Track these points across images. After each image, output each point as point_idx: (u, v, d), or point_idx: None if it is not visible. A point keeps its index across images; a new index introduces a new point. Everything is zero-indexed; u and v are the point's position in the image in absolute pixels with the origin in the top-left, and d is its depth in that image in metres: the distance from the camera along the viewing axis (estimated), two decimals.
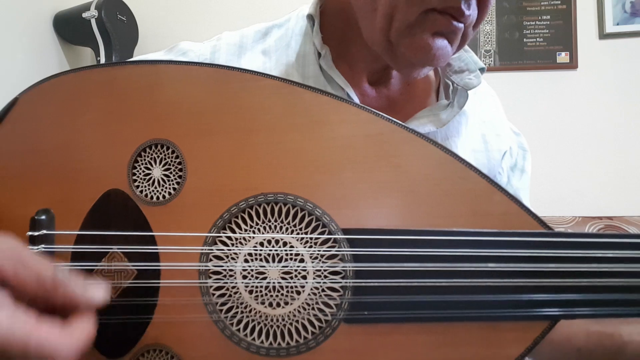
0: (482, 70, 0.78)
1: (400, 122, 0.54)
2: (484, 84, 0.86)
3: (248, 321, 0.50)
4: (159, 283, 0.51)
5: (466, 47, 0.77)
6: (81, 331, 0.44)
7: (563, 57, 2.43)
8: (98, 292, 0.46)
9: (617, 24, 2.39)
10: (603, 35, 2.41)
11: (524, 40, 2.48)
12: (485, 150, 0.81)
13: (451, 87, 0.79)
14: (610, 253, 0.49)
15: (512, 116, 0.90)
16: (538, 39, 2.47)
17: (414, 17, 0.62)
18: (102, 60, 2.44)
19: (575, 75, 2.43)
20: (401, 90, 0.80)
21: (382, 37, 0.65)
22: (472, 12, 0.63)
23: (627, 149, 2.34)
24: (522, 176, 0.87)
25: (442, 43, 0.64)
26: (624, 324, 0.64)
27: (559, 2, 2.46)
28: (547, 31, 2.46)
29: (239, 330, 0.50)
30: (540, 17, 2.48)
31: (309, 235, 0.51)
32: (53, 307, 0.44)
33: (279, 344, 0.50)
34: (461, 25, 0.64)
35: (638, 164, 2.33)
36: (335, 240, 0.51)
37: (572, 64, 2.42)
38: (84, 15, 2.42)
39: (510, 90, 2.43)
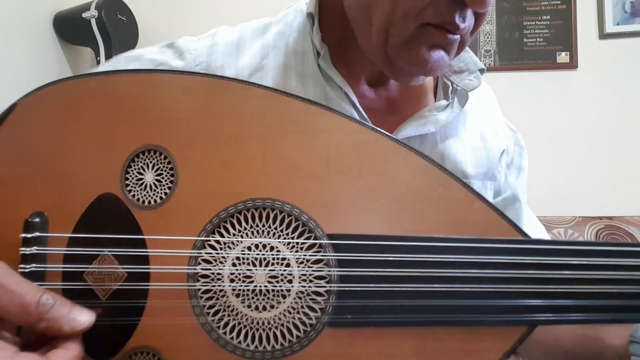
0: (481, 71, 0.79)
1: (385, 132, 0.55)
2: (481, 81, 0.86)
3: (234, 324, 0.51)
4: (148, 286, 0.51)
5: (466, 47, 0.78)
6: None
7: (563, 57, 2.43)
8: (83, 316, 0.47)
9: (617, 24, 2.39)
10: (603, 35, 2.41)
11: (524, 40, 2.48)
12: (485, 148, 0.81)
13: (450, 88, 0.79)
14: (582, 260, 0.51)
15: (512, 116, 0.90)
16: (538, 39, 2.47)
17: (409, 32, 0.62)
18: (102, 60, 2.45)
19: (575, 75, 2.43)
20: (399, 91, 0.80)
21: (379, 51, 0.66)
22: (467, 23, 0.63)
23: (627, 149, 2.34)
24: (519, 174, 0.87)
25: (438, 55, 0.64)
26: (605, 327, 0.65)
27: (559, 2, 2.46)
28: (547, 31, 2.46)
29: (225, 333, 0.51)
30: (540, 17, 2.48)
31: (295, 240, 0.52)
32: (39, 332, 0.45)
33: (265, 347, 0.51)
34: (457, 36, 0.64)
35: (638, 164, 2.32)
36: (320, 246, 0.52)
37: (572, 64, 2.42)
38: (84, 15, 2.42)
39: (510, 90, 2.43)
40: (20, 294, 0.43)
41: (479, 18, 0.65)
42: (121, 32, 2.52)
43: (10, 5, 2.27)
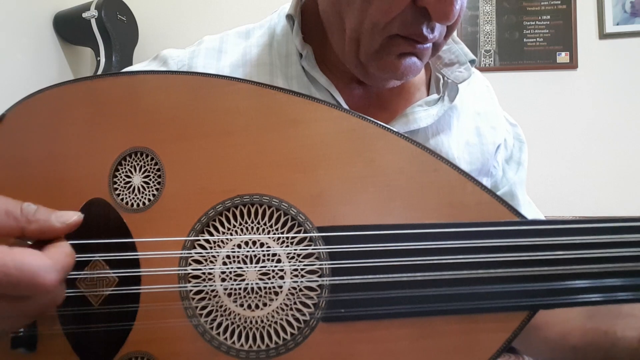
0: (472, 62, 0.78)
1: (371, 119, 0.54)
2: (478, 74, 0.86)
3: (227, 324, 0.50)
4: (139, 289, 0.51)
5: (456, 38, 0.78)
6: (59, 252, 0.44)
7: (563, 57, 2.44)
8: (69, 215, 0.46)
9: (617, 24, 2.39)
10: (603, 35, 2.41)
11: (524, 40, 2.49)
12: (480, 144, 0.80)
13: (442, 81, 0.78)
14: (583, 239, 0.50)
15: (512, 116, 0.89)
16: (538, 39, 2.47)
17: (378, 43, 0.63)
18: (102, 60, 2.46)
19: (575, 75, 2.44)
20: (390, 87, 0.78)
21: (353, 58, 0.67)
22: (436, 32, 0.63)
23: (627, 149, 2.34)
24: (518, 169, 0.86)
25: (409, 61, 0.65)
26: (617, 319, 0.62)
27: (559, 2, 2.47)
28: (547, 31, 2.47)
29: (218, 334, 0.50)
30: (540, 17, 2.48)
31: (285, 235, 0.51)
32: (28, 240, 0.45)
33: (259, 346, 0.50)
34: (427, 45, 0.64)
35: (638, 164, 2.32)
36: (310, 239, 0.51)
37: (572, 64, 2.43)
38: (84, 15, 2.44)
39: (510, 90, 2.43)
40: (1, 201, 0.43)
41: (450, 25, 0.65)
42: (121, 32, 2.53)
43: (10, 5, 2.28)
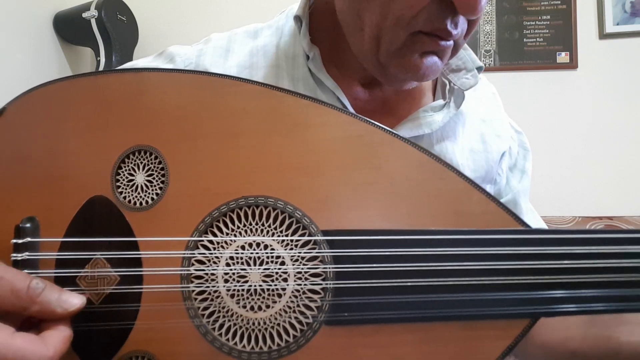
0: (479, 69, 0.77)
1: (379, 124, 0.54)
2: (484, 80, 0.85)
3: (230, 325, 0.50)
4: (141, 288, 0.51)
5: (464, 45, 0.77)
6: (57, 340, 0.44)
7: (563, 57, 2.43)
8: (74, 299, 0.47)
9: (617, 24, 2.39)
10: (603, 35, 2.41)
11: (524, 40, 2.48)
12: (484, 151, 0.79)
13: (448, 87, 0.77)
14: (586, 249, 0.50)
15: (512, 116, 0.89)
16: (538, 39, 2.47)
17: (401, 40, 0.61)
18: (102, 60, 2.45)
19: (575, 75, 2.43)
20: (395, 91, 0.78)
21: (372, 57, 0.65)
22: (459, 29, 0.62)
23: (627, 149, 2.34)
24: (522, 178, 0.85)
25: (431, 60, 0.63)
26: (620, 325, 0.62)
27: (559, 2, 2.46)
28: (547, 31, 2.46)
29: (220, 334, 0.50)
30: (540, 17, 2.48)
31: (289, 238, 0.51)
32: (30, 317, 0.45)
33: (261, 347, 0.50)
34: (450, 42, 0.63)
35: (638, 164, 2.32)
36: (315, 242, 0.51)
37: (572, 64, 2.42)
38: (84, 15, 2.43)
39: (510, 90, 2.43)
40: (8, 279, 0.44)
41: (471, 23, 0.64)
42: (121, 32, 2.53)
43: (10, 5, 2.28)
